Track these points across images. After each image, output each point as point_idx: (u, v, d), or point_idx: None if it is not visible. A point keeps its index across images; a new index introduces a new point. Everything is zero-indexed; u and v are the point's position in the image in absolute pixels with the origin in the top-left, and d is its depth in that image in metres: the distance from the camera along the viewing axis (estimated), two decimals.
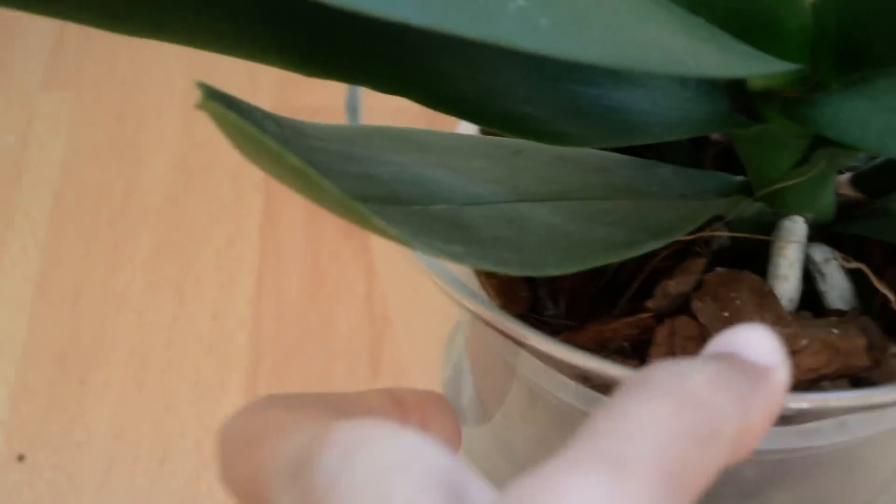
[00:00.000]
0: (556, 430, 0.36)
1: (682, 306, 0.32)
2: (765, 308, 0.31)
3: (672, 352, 0.31)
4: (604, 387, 0.31)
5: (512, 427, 0.37)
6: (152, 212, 0.60)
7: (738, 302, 0.31)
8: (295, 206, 0.58)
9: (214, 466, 0.23)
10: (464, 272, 0.35)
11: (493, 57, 0.30)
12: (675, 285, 0.32)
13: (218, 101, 0.26)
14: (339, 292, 0.56)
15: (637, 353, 0.32)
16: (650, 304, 0.32)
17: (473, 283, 0.34)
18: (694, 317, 0.31)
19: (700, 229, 0.35)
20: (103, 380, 0.55)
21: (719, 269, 0.32)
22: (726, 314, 0.31)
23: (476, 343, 0.40)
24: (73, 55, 0.68)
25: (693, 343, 0.31)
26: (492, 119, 0.30)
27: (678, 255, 0.35)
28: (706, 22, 0.28)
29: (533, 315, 0.33)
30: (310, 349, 0.54)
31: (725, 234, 0.34)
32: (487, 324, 0.29)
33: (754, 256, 0.34)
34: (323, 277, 0.56)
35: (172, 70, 0.65)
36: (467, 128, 0.38)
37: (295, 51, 0.29)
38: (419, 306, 0.37)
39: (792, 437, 0.32)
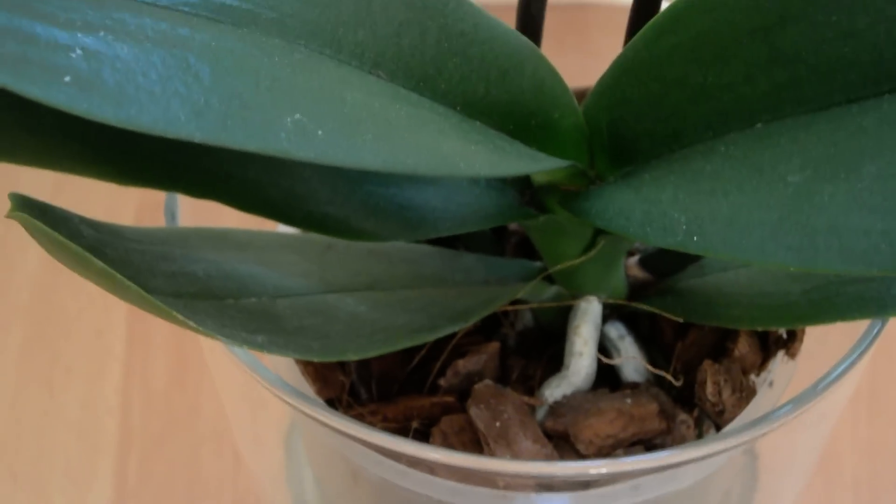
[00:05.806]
0: None
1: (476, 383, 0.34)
2: (526, 427, 0.33)
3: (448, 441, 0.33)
4: (414, 463, 0.34)
5: None
6: (21, 308, 0.61)
7: (506, 416, 0.33)
8: None
9: None
10: (289, 362, 0.37)
11: (295, 163, 0.33)
12: (465, 364, 0.34)
13: (31, 210, 0.28)
14: (204, 378, 0.57)
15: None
16: (442, 381, 0.35)
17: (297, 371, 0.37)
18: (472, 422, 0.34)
19: (506, 312, 0.37)
20: None
21: (488, 382, 0.34)
22: (498, 424, 0.33)
23: (307, 431, 0.42)
24: None
25: (466, 436, 0.33)
26: (296, 219, 0.33)
27: (486, 334, 0.37)
28: (483, 125, 0.31)
29: (350, 399, 0.36)
30: (177, 433, 0.56)
31: (521, 307, 0.36)
32: (287, 403, 0.32)
33: (556, 335, 0.37)
34: (188, 364, 0.58)
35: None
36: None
37: (107, 161, 0.32)
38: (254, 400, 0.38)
39: (587, 502, 0.34)
